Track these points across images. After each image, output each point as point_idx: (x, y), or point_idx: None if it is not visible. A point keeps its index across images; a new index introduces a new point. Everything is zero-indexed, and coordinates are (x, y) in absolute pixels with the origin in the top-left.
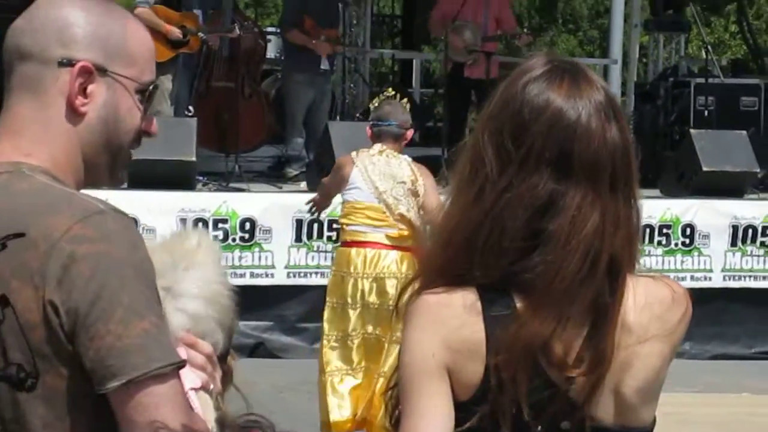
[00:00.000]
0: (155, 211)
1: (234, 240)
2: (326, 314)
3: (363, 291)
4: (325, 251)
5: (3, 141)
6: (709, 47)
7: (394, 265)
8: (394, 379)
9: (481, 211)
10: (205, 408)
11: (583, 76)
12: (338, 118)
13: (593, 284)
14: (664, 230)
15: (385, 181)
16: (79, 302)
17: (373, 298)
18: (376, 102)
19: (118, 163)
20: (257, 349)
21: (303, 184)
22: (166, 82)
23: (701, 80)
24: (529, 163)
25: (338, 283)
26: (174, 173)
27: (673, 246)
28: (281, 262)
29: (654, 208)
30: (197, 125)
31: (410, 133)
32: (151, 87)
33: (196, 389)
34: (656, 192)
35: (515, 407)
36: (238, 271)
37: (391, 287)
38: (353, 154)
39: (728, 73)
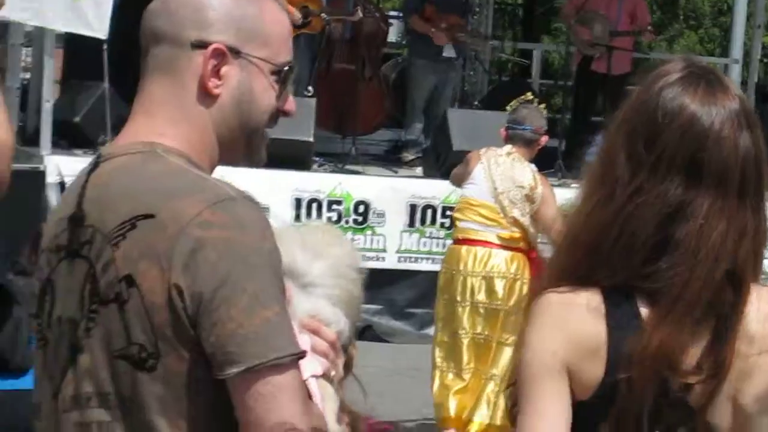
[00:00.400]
0: (270, 189)
1: (347, 222)
2: (439, 310)
3: (472, 289)
4: (437, 237)
5: (138, 121)
6: None
7: (503, 264)
8: (513, 377)
9: (610, 214)
10: (325, 395)
11: (719, 83)
12: (457, 105)
13: (718, 293)
14: None
15: (505, 182)
16: (204, 287)
17: (482, 297)
18: (514, 104)
19: (254, 143)
20: (365, 333)
21: (419, 170)
22: None
23: None
24: (661, 168)
25: (449, 280)
26: (291, 153)
27: None
28: (393, 246)
29: None
30: (316, 106)
31: (545, 139)
32: (286, 68)
33: (317, 376)
34: None
35: (635, 411)
36: None
37: (500, 287)
38: (482, 150)
39: None
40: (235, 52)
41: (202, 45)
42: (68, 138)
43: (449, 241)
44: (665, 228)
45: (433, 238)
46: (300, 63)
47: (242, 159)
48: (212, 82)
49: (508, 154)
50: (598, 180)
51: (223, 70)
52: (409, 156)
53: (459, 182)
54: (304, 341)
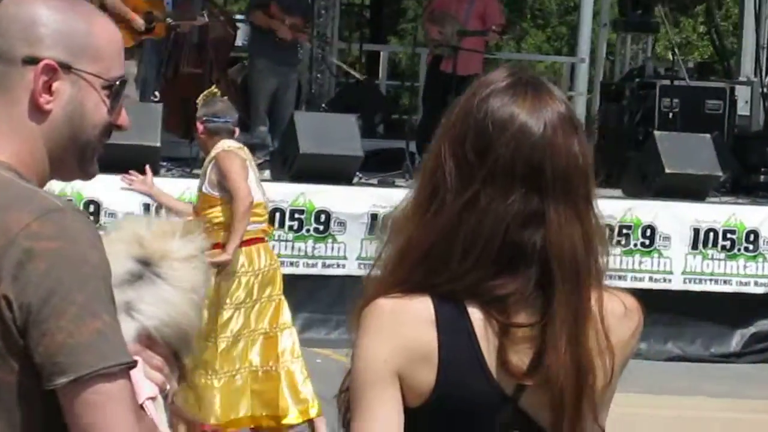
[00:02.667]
0: (118, 195)
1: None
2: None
3: (252, 288)
4: (286, 240)
5: None
6: (676, 49)
7: (266, 257)
8: (346, 383)
9: (445, 223)
10: (158, 410)
11: (546, 90)
12: (304, 108)
13: (567, 297)
14: (624, 230)
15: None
16: (33, 298)
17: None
18: (202, 98)
19: (87, 157)
20: None
21: (267, 173)
22: (131, 68)
23: (667, 82)
24: (497, 177)
25: (240, 284)
26: (138, 158)
27: (632, 246)
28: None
29: (615, 209)
30: (163, 110)
31: (237, 129)
32: (118, 82)
33: (153, 398)
34: (618, 192)
35: (466, 416)
36: None
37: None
38: (236, 152)
39: (694, 76)
40: (66, 68)
41: (32, 61)
42: None
43: (299, 244)
44: (513, 237)
45: (282, 240)
46: (146, 68)
47: (74, 173)
48: (44, 98)
49: (242, 148)
50: (428, 188)
51: (55, 85)
52: (257, 159)
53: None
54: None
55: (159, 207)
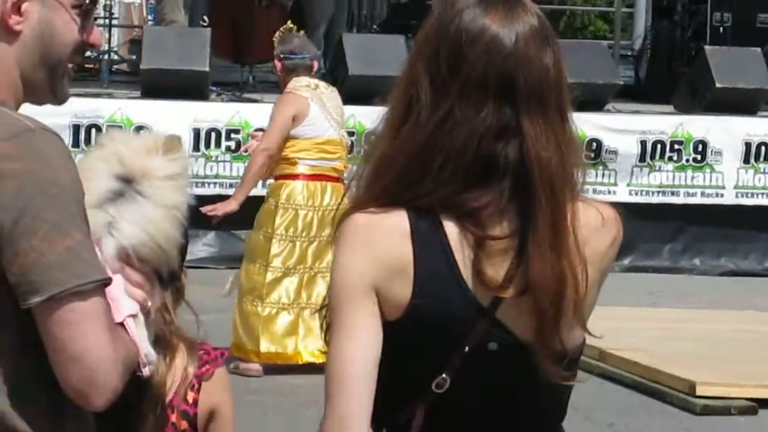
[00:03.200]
0: (168, 120)
1: (246, 150)
2: (257, 242)
3: (310, 223)
4: None
5: None
6: None
7: (336, 197)
8: (326, 299)
9: (420, 139)
10: (139, 327)
11: (518, 2)
12: (355, 30)
13: (540, 206)
14: (676, 146)
15: (339, 112)
16: (4, 219)
17: (316, 231)
18: (279, 35)
19: (57, 78)
20: None
21: None
22: None
23: None
24: (470, 91)
25: (272, 213)
26: (187, 83)
27: (684, 162)
28: None
29: (666, 124)
30: (211, 35)
31: (316, 64)
32: (87, 1)
33: (134, 315)
34: (670, 108)
35: (442, 329)
36: None
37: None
38: (296, 91)
39: None
40: None
41: None
42: None
43: (350, 165)
44: (488, 150)
45: None
46: None
47: (46, 96)
48: (13, 19)
49: (316, 86)
50: (402, 104)
51: (24, 6)
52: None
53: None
54: (117, 282)
55: (209, 132)
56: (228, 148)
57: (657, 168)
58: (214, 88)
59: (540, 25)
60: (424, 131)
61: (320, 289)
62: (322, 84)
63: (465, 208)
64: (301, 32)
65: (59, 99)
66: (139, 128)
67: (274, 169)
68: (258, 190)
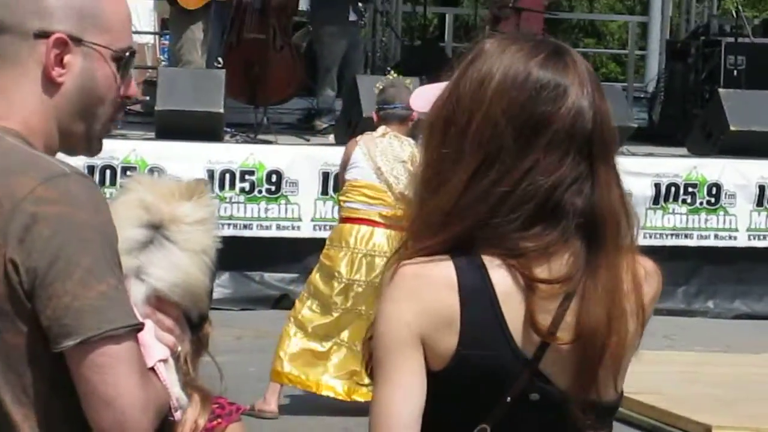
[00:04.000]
0: (182, 161)
1: (260, 192)
2: (314, 284)
3: (352, 266)
4: None
5: None
6: (740, 7)
7: (385, 242)
8: (369, 332)
9: (499, 189)
10: (170, 372)
11: (575, 55)
12: (369, 72)
13: (603, 253)
14: (690, 189)
15: (388, 160)
16: (39, 262)
17: (360, 275)
18: (379, 85)
19: (95, 131)
20: (282, 301)
21: (331, 137)
22: (197, 32)
23: (732, 39)
24: (556, 144)
25: (332, 257)
26: (202, 124)
27: (698, 205)
28: (308, 214)
29: (681, 167)
30: (226, 77)
31: (416, 114)
32: (127, 53)
33: (164, 360)
34: (683, 150)
35: (488, 379)
36: (264, 223)
37: (381, 265)
38: (358, 137)
39: (759, 33)
40: (77, 41)
41: (44, 35)
42: None
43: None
44: (559, 197)
45: None
46: (210, 34)
47: (81, 147)
48: (56, 71)
49: (383, 134)
50: (478, 155)
51: (66, 58)
52: (322, 124)
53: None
54: (147, 327)
55: (223, 173)
56: (242, 190)
57: (671, 210)
58: (228, 130)
59: (593, 77)
60: (507, 182)
61: (356, 329)
62: (391, 134)
63: (518, 248)
64: (405, 80)
65: (93, 152)
66: (153, 170)
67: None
68: (273, 232)
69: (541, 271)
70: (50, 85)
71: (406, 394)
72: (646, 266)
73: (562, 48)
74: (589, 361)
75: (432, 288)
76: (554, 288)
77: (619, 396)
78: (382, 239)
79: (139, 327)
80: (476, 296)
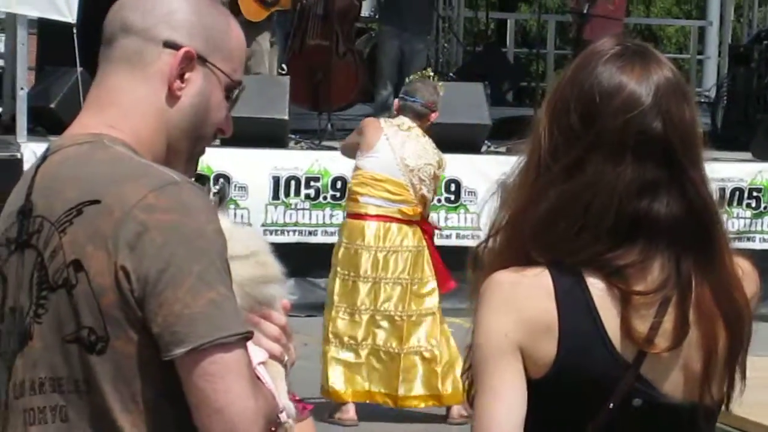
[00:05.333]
0: (248, 169)
1: (325, 198)
2: (335, 286)
3: (376, 264)
4: None
5: (92, 112)
6: None
7: (407, 239)
8: (468, 361)
9: (552, 195)
10: (276, 379)
11: (653, 57)
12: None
13: (701, 261)
14: (755, 193)
15: (417, 159)
16: (150, 269)
17: (386, 272)
18: (412, 77)
19: (196, 152)
20: None
21: None
22: (264, 43)
23: None
24: (604, 147)
25: (350, 255)
26: (267, 131)
27: (762, 209)
28: None
29: (745, 171)
30: (290, 83)
31: (434, 115)
32: (239, 87)
33: (263, 363)
34: (748, 155)
35: (589, 386)
36: (330, 229)
37: (404, 260)
38: (381, 121)
39: None
40: (202, 60)
41: (174, 46)
42: (44, 124)
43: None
44: (628, 207)
45: None
46: (277, 43)
47: (181, 165)
48: (177, 84)
49: (409, 128)
50: (533, 157)
51: (188, 74)
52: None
53: (352, 152)
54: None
55: (288, 180)
56: (307, 196)
57: (735, 215)
58: (293, 136)
59: (676, 79)
60: (555, 188)
61: (386, 331)
62: (416, 131)
63: (611, 266)
64: (435, 79)
65: (190, 173)
66: (218, 177)
67: (346, 205)
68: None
69: (635, 282)
70: (169, 97)
71: (507, 405)
72: (744, 266)
73: (643, 51)
74: (702, 364)
75: (529, 295)
76: (649, 297)
77: (722, 400)
78: (401, 235)
79: (249, 335)
80: (573, 302)
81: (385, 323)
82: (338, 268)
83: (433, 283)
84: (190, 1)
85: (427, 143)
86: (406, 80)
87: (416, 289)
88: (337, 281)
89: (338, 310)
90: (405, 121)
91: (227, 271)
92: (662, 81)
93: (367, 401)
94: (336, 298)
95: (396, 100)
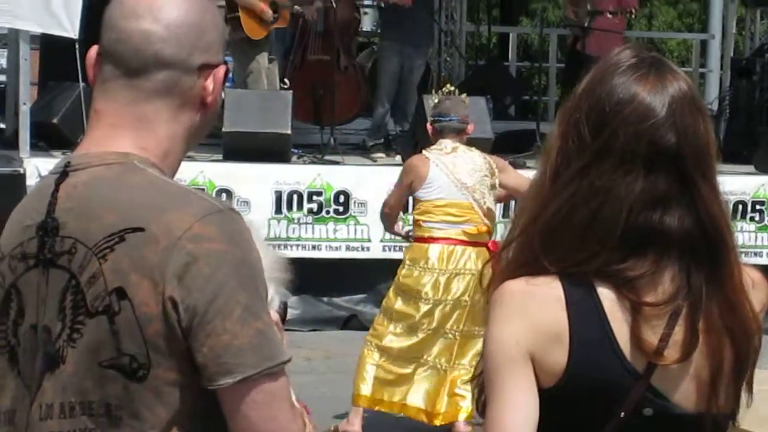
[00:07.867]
0: (250, 183)
1: (328, 213)
2: (394, 305)
3: (437, 286)
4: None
5: (124, 135)
6: None
7: (470, 261)
8: (479, 368)
9: (561, 204)
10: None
11: (668, 69)
12: (434, 91)
13: (710, 273)
14: (758, 206)
15: (472, 175)
16: (199, 300)
17: (447, 294)
18: (435, 98)
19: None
20: (350, 322)
21: (398, 158)
22: (262, 61)
23: None
24: (613, 157)
25: (413, 277)
26: (269, 146)
27: (766, 222)
28: (377, 235)
29: (748, 185)
30: (292, 98)
31: (471, 127)
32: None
33: None
34: (750, 168)
35: (600, 395)
36: (333, 244)
37: (466, 283)
38: (424, 154)
39: None
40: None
41: (208, 67)
42: (47, 139)
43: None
44: (637, 219)
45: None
46: (276, 60)
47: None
48: (209, 98)
49: (454, 149)
50: (546, 167)
51: (209, 81)
52: (369, 142)
53: (407, 194)
54: None
55: (290, 194)
56: (310, 210)
57: (739, 229)
58: (295, 151)
59: (690, 92)
60: (562, 195)
61: (441, 348)
62: (461, 148)
63: (621, 277)
64: (458, 93)
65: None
66: (221, 191)
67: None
68: (342, 253)
69: (645, 294)
70: (203, 107)
71: (518, 412)
72: (754, 277)
73: (658, 62)
74: (710, 375)
75: (540, 304)
76: (659, 309)
77: (733, 410)
78: (465, 257)
79: (289, 361)
80: (584, 311)
81: (439, 340)
82: (399, 288)
83: None
84: (208, 17)
85: (475, 155)
86: (431, 102)
87: (477, 310)
88: (399, 300)
89: (395, 326)
90: (445, 143)
91: (267, 298)
92: (677, 93)
93: (401, 413)
94: (394, 314)
95: (429, 126)
